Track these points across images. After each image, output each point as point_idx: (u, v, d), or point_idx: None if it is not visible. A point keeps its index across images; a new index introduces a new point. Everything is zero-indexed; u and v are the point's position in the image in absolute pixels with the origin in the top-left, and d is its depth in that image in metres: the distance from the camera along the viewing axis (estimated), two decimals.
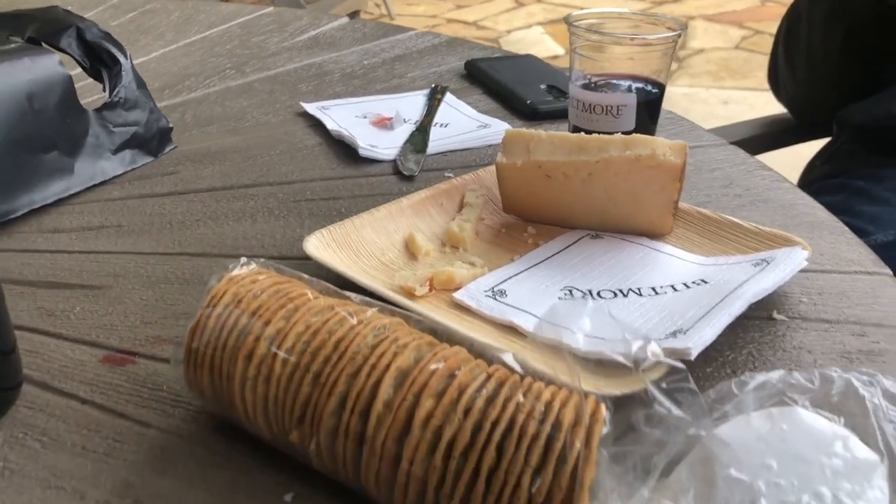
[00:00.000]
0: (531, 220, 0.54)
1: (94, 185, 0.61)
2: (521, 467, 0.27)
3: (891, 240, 0.70)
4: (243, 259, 0.36)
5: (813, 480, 0.30)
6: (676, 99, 2.98)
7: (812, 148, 1.04)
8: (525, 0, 4.41)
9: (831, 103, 0.97)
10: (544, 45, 3.65)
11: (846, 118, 0.94)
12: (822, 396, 0.33)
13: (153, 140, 0.66)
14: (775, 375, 0.33)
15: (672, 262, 0.49)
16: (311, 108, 0.74)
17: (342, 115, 0.73)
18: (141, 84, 0.67)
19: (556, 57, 3.53)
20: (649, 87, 0.59)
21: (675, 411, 0.31)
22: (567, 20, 0.59)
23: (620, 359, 0.33)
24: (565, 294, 0.45)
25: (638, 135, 0.48)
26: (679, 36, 0.57)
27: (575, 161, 0.49)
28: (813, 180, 1.00)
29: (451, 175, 0.62)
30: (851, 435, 0.31)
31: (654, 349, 0.34)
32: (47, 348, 0.43)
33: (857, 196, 0.87)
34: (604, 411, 0.28)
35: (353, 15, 1.71)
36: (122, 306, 0.46)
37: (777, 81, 1.08)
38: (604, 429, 0.28)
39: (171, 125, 0.69)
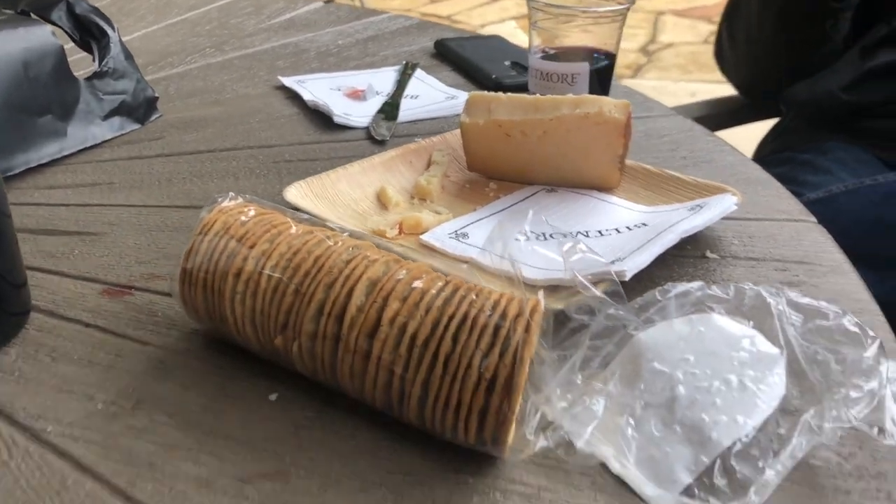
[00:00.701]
0: (493, 176, 0.59)
1: (86, 149, 0.65)
2: (473, 351, 0.32)
3: (821, 196, 0.76)
4: (231, 193, 0.41)
5: (723, 370, 0.35)
6: (645, 91, 3.04)
7: (767, 126, 1.11)
8: None
9: (775, 82, 1.03)
10: (517, 39, 3.70)
11: (791, 97, 1.00)
12: (735, 305, 0.38)
13: (140, 108, 0.70)
14: (695, 285, 0.38)
15: (618, 210, 0.54)
16: (289, 81, 0.79)
17: (318, 88, 0.77)
18: (128, 55, 0.71)
19: None
20: (601, 57, 0.64)
21: (610, 311, 0.36)
22: None
23: (563, 277, 0.39)
24: (522, 236, 0.50)
25: (587, 95, 0.53)
26: (627, 9, 0.62)
27: (531, 119, 0.54)
28: (764, 156, 1.05)
29: (420, 139, 0.67)
30: (758, 334, 0.36)
31: (592, 271, 0.39)
32: (51, 283, 0.47)
33: (801, 167, 0.92)
34: (542, 305, 0.33)
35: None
36: (117, 249, 0.50)
37: (723, 60, 1.13)
38: (542, 321, 0.33)
39: (156, 95, 0.73)
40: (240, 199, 0.41)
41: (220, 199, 0.40)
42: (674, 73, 3.25)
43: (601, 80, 0.65)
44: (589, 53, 0.64)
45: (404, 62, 0.85)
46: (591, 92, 0.64)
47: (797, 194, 0.85)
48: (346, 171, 0.56)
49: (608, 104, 0.52)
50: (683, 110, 1.08)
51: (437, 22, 3.83)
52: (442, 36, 0.95)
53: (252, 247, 0.38)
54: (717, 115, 1.10)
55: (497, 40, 0.92)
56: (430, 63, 0.87)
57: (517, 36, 3.75)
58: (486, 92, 0.56)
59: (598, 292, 0.37)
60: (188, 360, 0.40)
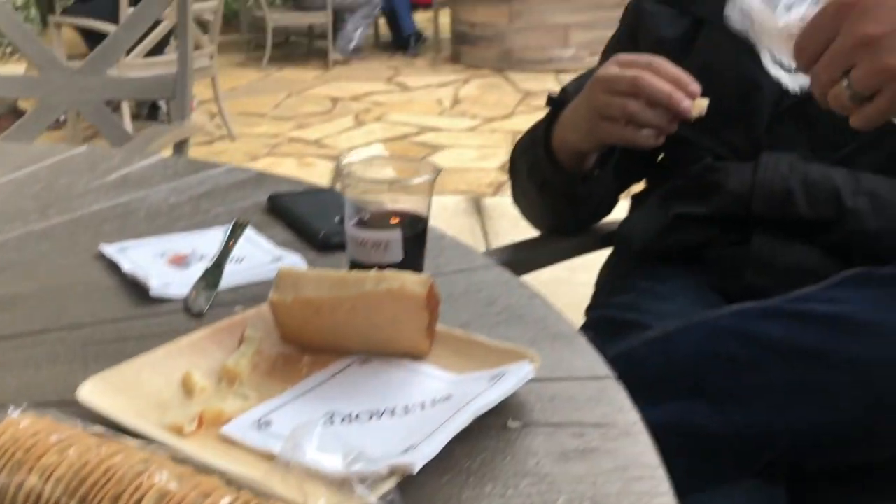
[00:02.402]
0: (307, 349, 0.59)
1: None
2: None
3: (657, 335, 0.78)
4: (11, 407, 0.39)
5: None
6: (506, 209, 3.17)
7: None
8: (365, 118, 4.60)
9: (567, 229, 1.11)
10: None
11: (620, 239, 1.06)
12: None
13: None
14: None
15: (427, 380, 0.55)
16: (110, 249, 0.77)
17: (140, 255, 0.76)
18: None
19: None
20: (414, 223, 0.67)
21: None
22: (337, 166, 0.66)
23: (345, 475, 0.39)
24: (327, 420, 0.50)
25: (389, 271, 0.55)
26: (435, 177, 0.65)
27: (338, 296, 0.55)
28: (606, 283, 1.10)
29: (240, 308, 0.66)
30: None
31: (376, 469, 0.39)
32: None
33: (643, 295, 0.96)
34: None
35: (181, 145, 1.75)
36: None
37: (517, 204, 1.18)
38: None
39: None
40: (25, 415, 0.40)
41: (11, 412, 0.39)
42: None
43: (416, 243, 0.67)
44: (401, 220, 0.66)
45: (234, 220, 0.85)
46: (407, 256, 0.66)
47: (641, 325, 0.89)
48: (150, 358, 0.55)
49: (410, 279, 0.54)
50: (524, 247, 1.13)
51: (305, 147, 3.90)
52: (277, 189, 0.97)
53: (39, 457, 0.36)
54: (552, 249, 1.15)
55: (330, 194, 0.94)
56: (263, 220, 0.88)
57: None
58: (293, 268, 0.57)
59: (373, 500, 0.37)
60: None
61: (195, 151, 3.76)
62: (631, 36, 1.07)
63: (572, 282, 1.45)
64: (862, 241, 0.87)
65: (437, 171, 0.67)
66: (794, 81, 0.74)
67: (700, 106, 0.85)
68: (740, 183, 0.91)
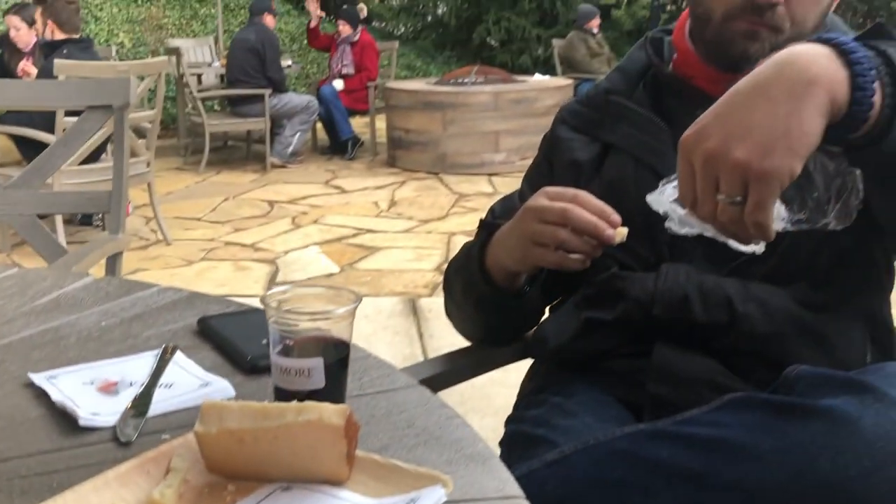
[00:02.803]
0: (232, 478, 0.62)
1: None
2: None
3: (556, 458, 0.83)
4: None
5: None
6: (440, 307, 3.23)
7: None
8: (301, 221, 4.66)
9: (497, 340, 1.17)
10: (321, 264, 3.85)
11: (534, 345, 1.12)
12: None
13: None
14: None
15: None
16: (38, 378, 0.79)
17: (69, 383, 0.78)
18: None
19: (331, 275, 3.72)
20: (336, 348, 0.71)
21: None
22: (261, 299, 0.70)
23: None
24: None
25: (309, 402, 0.58)
26: (356, 307, 0.70)
27: (260, 427, 0.59)
28: (524, 395, 1.15)
29: (167, 437, 0.69)
30: None
31: None
32: None
33: (553, 409, 1.02)
34: None
35: (115, 257, 1.77)
36: None
37: (449, 315, 1.25)
38: None
39: None
40: None
41: None
42: None
43: (338, 370, 0.71)
44: (324, 348, 0.70)
45: (164, 345, 0.88)
46: (330, 382, 0.70)
47: (549, 442, 0.93)
48: (76, 494, 0.56)
49: (328, 410, 0.58)
50: (455, 357, 1.18)
51: (241, 251, 3.90)
52: (208, 310, 1.00)
53: None
54: (478, 362, 1.19)
55: (259, 315, 0.97)
56: (192, 343, 0.90)
57: (321, 261, 3.90)
58: (217, 401, 0.60)
59: None
60: None
61: (129, 256, 3.74)
62: (548, 161, 1.17)
63: (506, 383, 1.49)
64: (754, 346, 0.95)
65: (359, 298, 0.71)
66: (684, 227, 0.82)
67: (622, 233, 0.94)
68: (643, 290, 0.99)
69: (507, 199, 1.22)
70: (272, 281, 3.64)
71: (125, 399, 0.76)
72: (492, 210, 1.21)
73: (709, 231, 0.77)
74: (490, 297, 1.07)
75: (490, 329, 1.17)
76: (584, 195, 0.95)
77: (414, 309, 3.25)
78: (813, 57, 0.69)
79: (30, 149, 3.73)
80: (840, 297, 0.96)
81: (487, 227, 1.08)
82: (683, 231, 0.80)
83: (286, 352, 0.70)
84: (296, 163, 6.36)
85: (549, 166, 1.17)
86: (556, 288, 1.16)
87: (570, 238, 0.93)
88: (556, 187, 0.98)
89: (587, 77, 7.30)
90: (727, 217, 0.72)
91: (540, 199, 0.97)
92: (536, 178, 1.18)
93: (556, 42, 8.07)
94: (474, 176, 5.82)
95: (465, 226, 4.45)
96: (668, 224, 0.81)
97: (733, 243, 0.77)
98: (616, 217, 0.93)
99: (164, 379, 0.80)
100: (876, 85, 0.70)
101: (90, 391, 0.77)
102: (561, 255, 0.95)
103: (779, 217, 0.74)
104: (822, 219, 0.75)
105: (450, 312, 1.23)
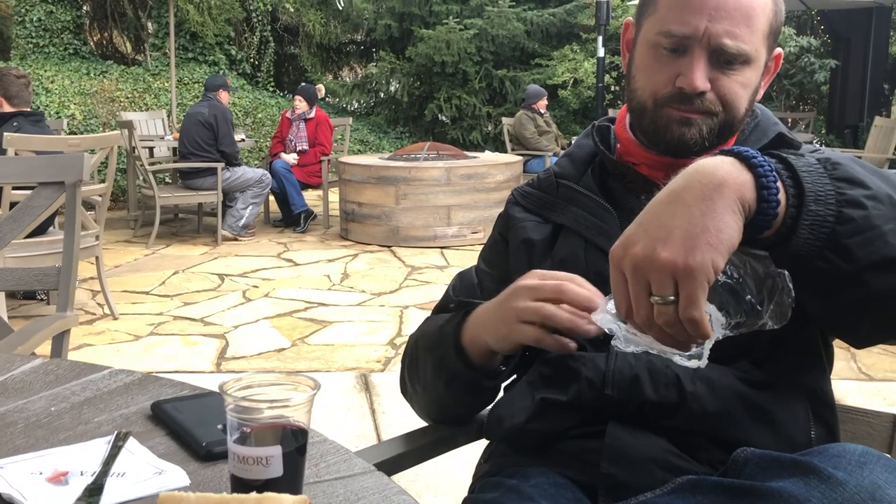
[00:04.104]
0: None
1: None
2: None
3: None
4: None
5: None
6: (393, 382, 3.21)
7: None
8: (252, 295, 4.61)
9: (458, 419, 1.17)
10: (272, 339, 3.81)
11: (489, 426, 1.13)
12: None
13: None
14: None
15: None
16: None
17: (17, 474, 0.76)
18: None
19: (282, 349, 3.68)
20: (294, 436, 0.71)
21: None
22: (219, 387, 0.70)
23: None
24: None
25: (269, 493, 0.58)
26: (314, 394, 0.70)
27: None
28: (479, 477, 1.15)
29: None
30: None
31: None
32: None
33: (509, 493, 1.02)
34: None
35: (62, 335, 1.73)
36: None
37: (407, 395, 1.24)
38: None
39: None
40: None
41: None
42: None
43: (296, 458, 0.71)
44: (283, 435, 0.70)
45: (116, 432, 0.86)
46: (287, 469, 0.69)
47: None
48: None
49: (287, 501, 0.58)
50: (403, 441, 1.17)
51: (190, 325, 3.83)
52: (162, 393, 0.99)
53: None
54: (433, 443, 1.19)
55: (214, 399, 0.96)
56: (146, 428, 0.89)
57: (271, 336, 3.85)
58: (176, 493, 0.60)
59: None
60: None
61: (74, 331, 3.65)
62: (504, 239, 1.20)
63: (459, 459, 1.48)
64: (704, 425, 0.97)
65: (318, 386, 0.72)
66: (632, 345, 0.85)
67: None
68: (595, 371, 1.01)
69: (464, 276, 1.25)
70: (222, 356, 3.58)
71: (76, 489, 0.74)
72: (452, 287, 1.23)
73: (654, 348, 0.81)
74: (464, 377, 1.08)
75: (459, 406, 1.17)
76: (577, 277, 0.98)
77: (366, 384, 3.22)
78: (718, 164, 0.77)
79: None
80: (781, 375, 1.00)
81: (462, 306, 1.10)
82: (630, 349, 0.84)
83: (243, 440, 0.70)
84: (247, 235, 6.33)
85: (504, 244, 1.20)
86: (524, 368, 1.17)
87: (557, 313, 0.95)
88: (547, 271, 1.02)
89: (536, 154, 7.49)
90: (663, 319, 0.76)
91: (531, 278, 1.00)
92: (493, 255, 1.22)
93: (506, 120, 8.29)
94: (427, 249, 5.87)
95: (417, 299, 4.46)
96: (614, 342, 0.84)
97: (678, 358, 0.81)
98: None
99: (116, 467, 0.79)
100: (779, 185, 0.77)
101: (39, 481, 0.75)
102: (545, 332, 0.97)
103: (717, 323, 0.78)
104: (759, 320, 0.79)
105: (409, 391, 1.23)
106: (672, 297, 0.74)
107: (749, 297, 0.78)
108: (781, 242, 0.78)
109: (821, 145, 7.10)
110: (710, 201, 0.74)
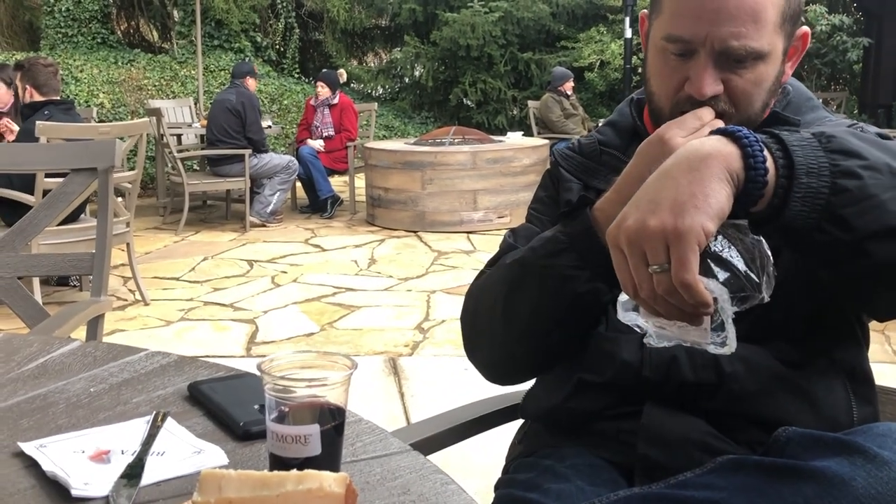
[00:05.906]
0: None
1: None
2: None
3: None
4: None
5: None
6: (425, 368, 3.22)
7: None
8: (280, 281, 4.64)
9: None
10: (300, 324, 3.83)
11: (526, 404, 1.13)
12: None
13: None
14: None
15: None
16: (28, 447, 0.78)
17: (60, 452, 0.77)
18: None
19: (311, 334, 3.70)
20: (332, 415, 0.71)
21: None
22: (258, 367, 0.71)
23: None
24: None
25: (309, 470, 0.59)
26: (352, 373, 0.70)
27: (259, 496, 0.59)
28: (513, 458, 1.15)
29: None
30: None
31: None
32: None
33: (544, 474, 1.01)
34: None
35: (96, 319, 1.75)
36: None
37: (473, 357, 1.19)
38: None
39: None
40: None
41: None
42: (447, 347, 3.46)
43: (333, 437, 0.71)
44: (320, 414, 0.70)
45: (155, 412, 0.87)
46: (326, 448, 0.70)
47: None
48: None
49: (328, 479, 0.58)
50: (439, 421, 1.17)
51: (220, 310, 3.85)
52: (198, 375, 1.00)
53: None
54: (473, 422, 1.19)
55: (250, 379, 0.97)
56: (183, 409, 0.90)
57: (299, 321, 3.88)
58: (216, 470, 0.60)
59: None
60: None
61: (108, 317, 3.69)
62: (553, 193, 1.17)
63: (487, 442, 1.48)
64: (743, 405, 0.96)
65: (355, 365, 0.72)
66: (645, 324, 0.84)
67: None
68: (632, 352, 1.00)
69: (517, 229, 1.16)
70: (252, 341, 3.61)
71: (117, 468, 0.75)
72: (506, 243, 1.14)
73: (685, 339, 0.81)
74: (586, 287, 0.95)
75: (551, 337, 1.03)
76: None
77: (395, 368, 3.23)
78: (704, 141, 0.79)
79: (6, 209, 3.72)
80: (818, 353, 0.98)
81: (582, 201, 0.99)
82: (662, 344, 0.84)
83: (281, 419, 0.70)
84: (275, 222, 6.37)
85: (552, 199, 1.16)
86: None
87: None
88: None
89: (562, 137, 7.44)
90: (662, 288, 0.75)
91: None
92: (543, 207, 1.17)
93: (532, 103, 8.24)
94: (453, 234, 5.86)
95: (444, 283, 4.46)
96: (646, 340, 0.84)
97: (710, 347, 0.80)
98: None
99: (156, 446, 0.79)
100: (767, 156, 0.77)
101: (81, 460, 0.76)
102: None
103: (723, 298, 0.77)
104: (759, 293, 0.79)
105: (487, 339, 1.10)
106: (667, 265, 0.74)
107: (745, 269, 0.78)
108: (775, 215, 0.78)
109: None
110: (696, 171, 0.75)
